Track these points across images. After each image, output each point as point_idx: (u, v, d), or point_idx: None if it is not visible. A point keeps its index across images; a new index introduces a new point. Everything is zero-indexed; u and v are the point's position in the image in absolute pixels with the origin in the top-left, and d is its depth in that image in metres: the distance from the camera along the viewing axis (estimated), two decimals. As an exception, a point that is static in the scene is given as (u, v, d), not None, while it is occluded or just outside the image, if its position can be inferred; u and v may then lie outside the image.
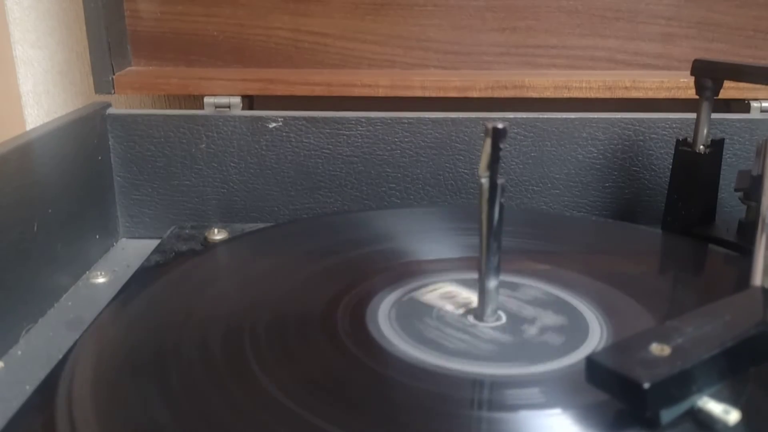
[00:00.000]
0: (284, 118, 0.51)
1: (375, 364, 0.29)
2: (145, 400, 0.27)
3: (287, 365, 0.29)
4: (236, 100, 0.53)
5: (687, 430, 0.24)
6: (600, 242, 0.45)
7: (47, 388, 0.29)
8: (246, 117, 0.52)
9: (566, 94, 0.54)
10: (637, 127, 0.51)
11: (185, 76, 0.54)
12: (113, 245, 0.52)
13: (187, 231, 0.49)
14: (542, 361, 0.29)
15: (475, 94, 0.54)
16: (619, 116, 0.51)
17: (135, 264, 0.46)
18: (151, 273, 0.41)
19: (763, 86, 0.49)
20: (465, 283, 0.36)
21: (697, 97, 0.45)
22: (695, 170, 0.45)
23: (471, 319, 0.32)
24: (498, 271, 0.31)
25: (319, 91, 0.54)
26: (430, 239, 0.43)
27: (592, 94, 0.53)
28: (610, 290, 0.36)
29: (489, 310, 0.32)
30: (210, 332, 0.32)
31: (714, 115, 0.45)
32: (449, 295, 0.35)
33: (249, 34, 0.57)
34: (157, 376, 0.28)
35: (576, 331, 0.31)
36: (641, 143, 0.52)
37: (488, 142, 0.29)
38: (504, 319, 0.32)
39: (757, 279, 0.29)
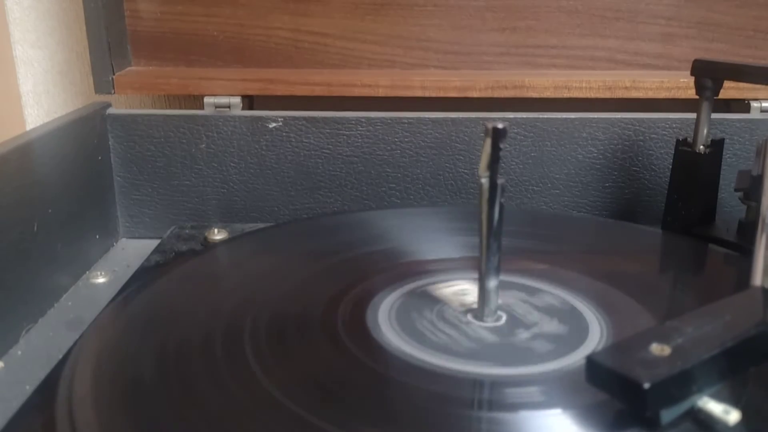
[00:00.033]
0: (284, 118, 0.51)
1: (375, 364, 0.29)
2: (145, 400, 0.27)
3: (287, 365, 0.29)
4: (236, 100, 0.53)
5: (687, 430, 0.24)
6: (600, 242, 0.45)
7: (47, 388, 0.29)
8: (246, 117, 0.52)
9: (566, 94, 0.54)
10: (637, 127, 0.51)
11: (185, 76, 0.54)
12: (113, 245, 0.52)
13: (187, 231, 0.49)
14: (542, 361, 0.29)
15: (475, 94, 0.54)
16: (619, 116, 0.51)
17: (135, 264, 0.46)
18: (151, 273, 0.41)
19: (763, 86, 0.49)
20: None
21: (697, 97, 0.45)
22: (695, 170, 0.45)
23: (471, 318, 0.32)
24: (498, 271, 0.31)
25: (319, 91, 0.54)
26: (430, 239, 0.43)
27: (592, 94, 0.53)
28: (610, 290, 0.36)
29: (489, 310, 0.32)
30: (210, 332, 0.31)
31: (714, 115, 0.45)
32: (462, 292, 0.35)
33: (249, 34, 0.57)
34: (157, 376, 0.28)
35: (576, 330, 0.31)
36: (641, 143, 0.52)
37: (488, 142, 0.29)
38: (504, 319, 0.32)
39: (757, 279, 0.29)
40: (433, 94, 0.54)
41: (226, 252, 0.43)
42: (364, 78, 0.54)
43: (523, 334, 0.31)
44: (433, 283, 0.36)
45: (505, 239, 0.31)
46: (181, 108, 0.61)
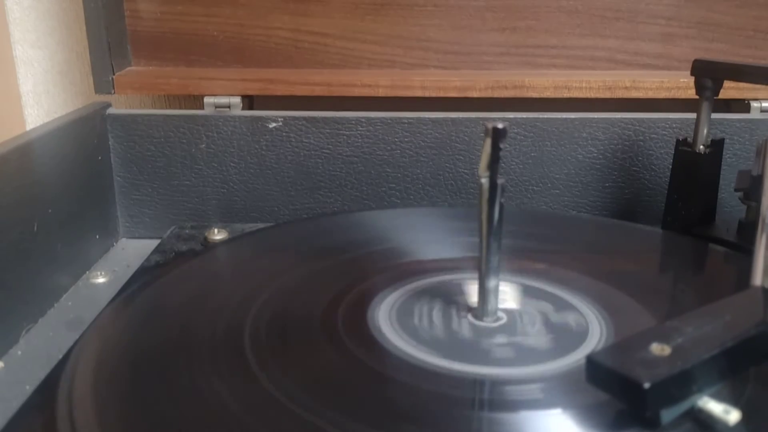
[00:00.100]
0: (284, 118, 0.51)
1: (375, 364, 0.29)
2: (146, 400, 0.27)
3: (287, 365, 0.29)
4: (236, 100, 0.53)
5: (687, 430, 0.24)
6: (600, 242, 0.45)
7: (47, 388, 0.29)
8: (246, 117, 0.52)
9: (566, 94, 0.54)
10: (637, 127, 0.51)
11: (185, 76, 0.54)
12: (113, 245, 0.52)
13: (187, 231, 0.49)
14: (542, 361, 0.29)
15: (475, 94, 0.54)
16: (619, 116, 0.51)
17: (135, 264, 0.46)
18: (151, 273, 0.41)
19: (763, 86, 0.49)
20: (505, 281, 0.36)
21: (697, 97, 0.45)
22: (695, 170, 0.45)
23: (471, 318, 0.32)
24: (498, 271, 0.31)
25: (319, 91, 0.54)
26: (430, 239, 0.43)
27: (592, 94, 0.53)
28: (611, 290, 0.36)
29: (489, 310, 0.32)
30: (210, 332, 0.31)
31: (714, 115, 0.45)
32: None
33: (249, 34, 0.57)
34: (157, 376, 0.28)
35: (576, 330, 0.31)
36: (641, 143, 0.52)
37: (488, 142, 0.29)
38: (504, 319, 0.32)
39: (757, 279, 0.29)
40: (433, 94, 0.54)
41: (226, 252, 0.43)
42: (364, 78, 0.54)
43: (523, 334, 0.31)
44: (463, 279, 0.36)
45: (505, 239, 0.31)
46: (181, 108, 0.61)
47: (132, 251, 0.51)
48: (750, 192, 0.43)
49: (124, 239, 0.53)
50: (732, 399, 0.25)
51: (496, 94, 0.53)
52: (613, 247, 0.44)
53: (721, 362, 0.24)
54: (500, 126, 0.28)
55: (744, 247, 0.42)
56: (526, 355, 0.29)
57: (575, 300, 0.34)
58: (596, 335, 0.31)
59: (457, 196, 0.53)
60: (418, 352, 0.29)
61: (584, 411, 0.25)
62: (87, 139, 0.49)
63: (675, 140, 0.46)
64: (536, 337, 0.31)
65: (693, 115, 0.45)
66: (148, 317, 0.34)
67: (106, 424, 0.25)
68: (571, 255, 0.41)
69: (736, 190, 0.44)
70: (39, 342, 0.37)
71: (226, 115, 0.52)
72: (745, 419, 0.24)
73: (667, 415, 0.24)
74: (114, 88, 0.53)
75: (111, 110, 0.52)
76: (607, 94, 0.53)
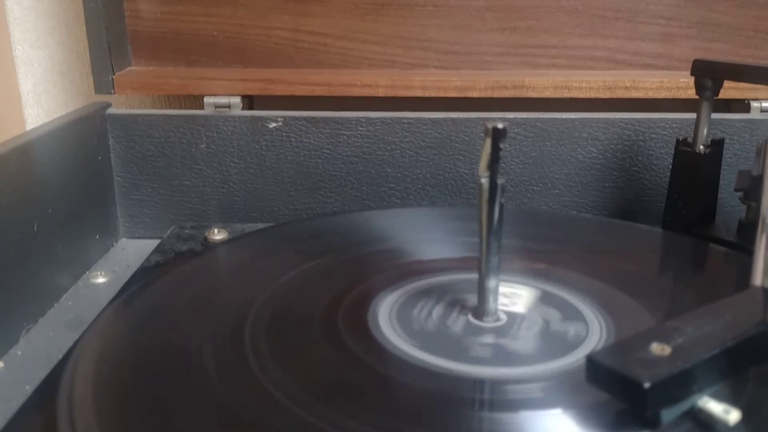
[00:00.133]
0: (284, 118, 0.51)
1: (376, 364, 0.29)
2: (146, 400, 0.27)
3: (288, 365, 0.29)
4: (236, 100, 0.53)
5: (687, 429, 0.24)
6: (600, 242, 0.45)
7: (47, 388, 0.29)
8: (246, 117, 0.52)
9: (566, 94, 0.54)
10: (637, 127, 0.51)
11: (185, 76, 0.54)
12: (113, 245, 0.52)
13: (187, 231, 0.49)
14: (542, 361, 0.29)
15: (475, 94, 0.54)
16: (619, 116, 0.51)
17: (135, 264, 0.46)
18: (151, 273, 0.41)
19: (763, 86, 0.49)
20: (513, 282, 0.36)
21: (697, 97, 0.45)
22: (695, 170, 0.45)
23: (471, 318, 0.32)
24: (498, 271, 0.31)
25: (319, 91, 0.54)
26: (430, 239, 0.43)
27: (592, 94, 0.53)
28: (611, 290, 0.36)
29: (489, 310, 0.32)
30: (210, 332, 0.31)
31: (714, 115, 0.45)
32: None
33: (249, 34, 0.57)
34: (157, 376, 0.28)
35: (576, 330, 0.31)
36: (641, 143, 0.52)
37: (488, 142, 0.29)
38: (504, 319, 0.32)
39: (757, 279, 0.29)
40: (433, 94, 0.54)
41: (226, 252, 0.43)
42: (364, 78, 0.54)
43: (523, 334, 0.31)
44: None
45: (505, 239, 0.31)
46: (181, 108, 0.61)
47: (132, 251, 0.51)
48: (750, 192, 0.43)
49: (124, 239, 0.53)
50: (732, 399, 0.25)
51: (496, 94, 0.53)
52: (613, 247, 0.44)
53: (721, 362, 0.24)
54: (500, 126, 0.28)
55: (744, 247, 0.42)
56: (526, 355, 0.29)
57: (575, 300, 0.34)
58: (596, 335, 0.31)
59: (457, 196, 0.53)
60: (418, 352, 0.29)
61: (584, 411, 0.25)
62: (87, 139, 0.49)
63: (675, 140, 0.46)
64: (536, 336, 0.31)
65: (693, 115, 0.45)
66: (148, 317, 0.34)
67: (106, 424, 0.25)
68: (571, 255, 0.41)
69: (736, 190, 0.44)
70: (39, 342, 0.37)
71: (226, 115, 0.52)
72: (745, 419, 0.24)
73: (667, 415, 0.24)
74: (114, 88, 0.53)
75: (111, 110, 0.52)
76: (607, 94, 0.53)
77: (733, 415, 0.24)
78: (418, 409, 0.26)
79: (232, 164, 0.52)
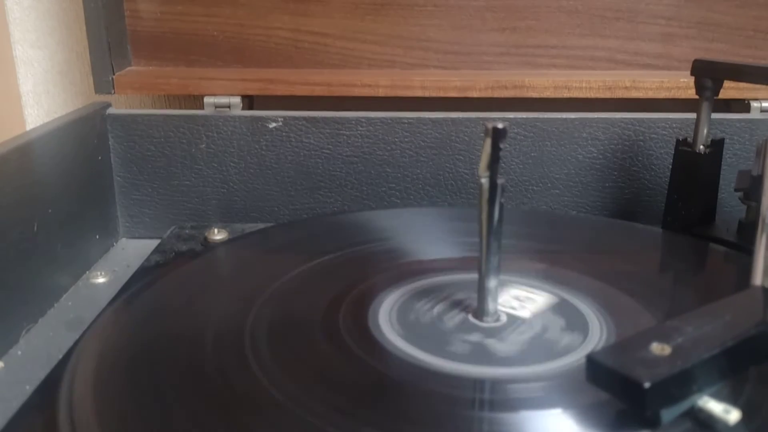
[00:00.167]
0: (284, 118, 0.51)
1: (375, 364, 0.29)
2: (146, 400, 0.27)
3: (288, 366, 0.29)
4: (236, 100, 0.53)
5: (687, 429, 0.24)
6: (600, 242, 0.45)
7: (47, 388, 0.29)
8: (246, 117, 0.52)
9: (566, 94, 0.54)
10: (637, 127, 0.51)
11: (185, 76, 0.54)
12: (113, 245, 0.52)
13: (187, 231, 0.49)
14: (542, 361, 0.29)
15: (475, 94, 0.54)
16: (619, 116, 0.51)
17: (135, 264, 0.46)
18: (151, 273, 0.41)
19: (763, 86, 0.49)
20: (532, 285, 0.35)
21: (697, 97, 0.45)
22: (695, 170, 0.45)
23: (471, 318, 0.32)
24: (498, 271, 0.31)
25: (319, 91, 0.54)
26: (430, 239, 0.43)
27: (592, 94, 0.53)
28: (611, 289, 0.36)
29: (489, 310, 0.32)
30: (210, 333, 0.31)
31: (714, 115, 0.45)
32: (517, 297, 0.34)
33: (249, 34, 0.57)
34: (157, 376, 0.28)
35: (576, 330, 0.31)
36: (641, 143, 0.52)
37: (488, 142, 0.29)
38: (504, 319, 0.32)
39: (757, 279, 0.29)
40: (433, 94, 0.54)
41: (226, 252, 0.43)
42: (364, 78, 0.54)
43: (522, 334, 0.31)
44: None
45: (505, 239, 0.31)
46: (181, 108, 0.61)
47: (132, 251, 0.51)
48: (750, 192, 0.43)
49: (124, 239, 0.53)
50: (732, 399, 0.25)
51: (496, 94, 0.53)
52: (613, 247, 0.44)
53: (721, 362, 0.24)
54: (500, 126, 0.28)
55: (744, 247, 0.42)
56: (526, 355, 0.29)
57: (575, 300, 0.34)
58: (596, 335, 0.31)
59: (457, 196, 0.53)
60: (419, 352, 0.29)
61: (584, 411, 0.25)
62: (87, 139, 0.49)
63: (675, 140, 0.46)
64: (536, 337, 0.31)
65: (693, 115, 0.45)
66: (148, 318, 0.34)
67: (106, 424, 0.25)
68: (571, 255, 0.41)
69: (736, 190, 0.44)
70: (39, 342, 0.37)
71: (226, 115, 0.52)
72: (745, 419, 0.24)
73: (667, 414, 0.24)
74: (114, 88, 0.53)
75: (111, 110, 0.52)
76: (607, 94, 0.53)
77: (733, 415, 0.24)
78: (418, 409, 0.26)
79: (232, 164, 0.52)
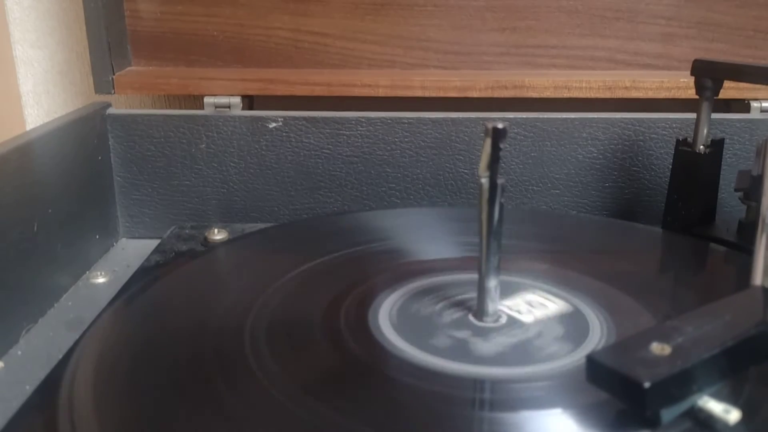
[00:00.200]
0: (284, 118, 0.51)
1: (377, 364, 0.29)
2: (146, 400, 0.27)
3: (288, 366, 0.29)
4: (236, 100, 0.53)
5: (687, 429, 0.24)
6: (600, 242, 0.45)
7: (47, 388, 0.29)
8: (246, 117, 0.52)
9: (566, 94, 0.54)
10: (637, 127, 0.51)
11: (185, 76, 0.54)
12: (113, 245, 0.52)
13: (187, 231, 0.49)
14: (542, 361, 0.29)
15: (475, 94, 0.54)
16: (619, 116, 0.51)
17: (135, 264, 0.46)
18: (151, 273, 0.41)
19: (763, 86, 0.49)
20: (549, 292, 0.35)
21: (697, 97, 0.45)
22: (695, 170, 0.45)
23: (471, 318, 0.32)
24: (498, 271, 0.31)
25: (319, 91, 0.54)
26: (430, 239, 0.43)
27: (592, 94, 0.53)
28: (611, 289, 0.36)
29: (489, 310, 0.32)
30: (210, 333, 0.31)
31: (714, 115, 0.45)
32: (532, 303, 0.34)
33: (249, 34, 0.57)
34: (157, 376, 0.28)
35: (576, 330, 0.31)
36: (641, 143, 0.52)
37: (488, 142, 0.29)
38: (504, 319, 0.32)
39: (757, 279, 0.29)
40: (433, 94, 0.54)
41: (227, 253, 0.43)
42: (364, 78, 0.54)
43: (523, 334, 0.31)
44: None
45: (505, 239, 0.31)
46: (181, 108, 0.61)
47: (132, 251, 0.51)
48: (750, 192, 0.43)
49: (124, 239, 0.53)
50: (732, 399, 0.25)
51: (496, 94, 0.53)
52: (613, 247, 0.44)
53: (721, 362, 0.24)
54: (500, 126, 0.28)
55: (744, 247, 0.42)
56: (526, 355, 0.29)
57: (575, 300, 0.34)
58: (596, 335, 0.31)
59: (457, 196, 0.53)
60: (419, 352, 0.29)
61: (584, 411, 0.25)
62: (87, 139, 0.49)
63: (675, 140, 0.46)
64: (536, 337, 0.31)
65: (693, 115, 0.45)
66: (148, 318, 0.34)
67: (106, 424, 0.25)
68: (571, 255, 0.41)
69: (736, 190, 0.44)
70: (39, 342, 0.37)
71: (226, 115, 0.52)
72: (745, 419, 0.24)
73: (667, 414, 0.24)
74: (114, 88, 0.53)
75: (111, 110, 0.52)
76: (607, 94, 0.53)
77: (733, 415, 0.24)
78: (418, 409, 0.26)
79: (232, 164, 0.52)
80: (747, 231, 0.44)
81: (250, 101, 0.55)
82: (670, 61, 0.57)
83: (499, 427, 0.25)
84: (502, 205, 0.30)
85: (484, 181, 0.29)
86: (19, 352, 0.36)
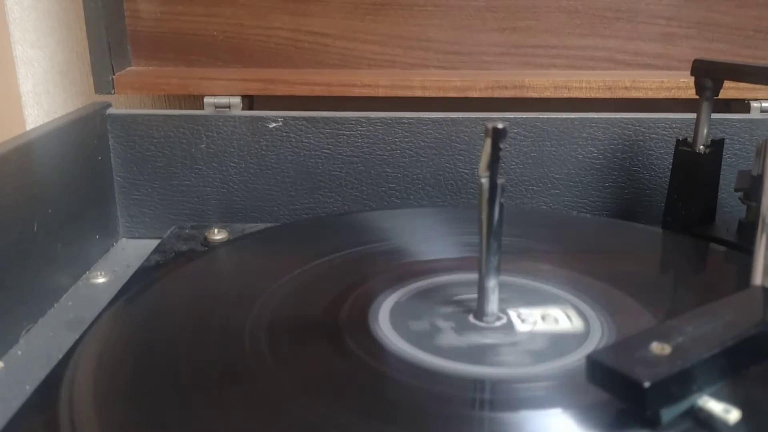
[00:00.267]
0: (284, 118, 0.51)
1: (376, 364, 0.29)
2: (146, 400, 0.27)
3: (288, 366, 0.29)
4: (236, 100, 0.53)
5: (687, 429, 0.24)
6: (600, 242, 0.45)
7: (47, 388, 0.29)
8: (246, 117, 0.52)
9: (566, 94, 0.54)
10: (637, 127, 0.51)
11: (185, 76, 0.54)
12: (113, 245, 0.52)
13: (187, 231, 0.49)
14: (542, 361, 0.29)
15: (475, 94, 0.54)
16: (619, 116, 0.51)
17: (135, 264, 0.46)
18: (151, 273, 0.41)
19: (763, 86, 0.49)
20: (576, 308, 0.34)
21: (697, 97, 0.45)
22: (695, 170, 0.45)
23: (471, 319, 0.32)
24: (498, 271, 0.31)
25: (319, 91, 0.54)
26: (430, 239, 0.43)
27: (592, 94, 0.53)
28: (611, 289, 0.36)
29: (489, 311, 0.32)
30: (210, 333, 0.31)
31: (714, 115, 0.45)
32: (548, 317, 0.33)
33: (249, 34, 0.57)
34: (158, 376, 0.28)
35: (576, 330, 0.31)
36: (641, 143, 0.52)
37: (488, 142, 0.29)
38: (504, 319, 0.32)
39: (757, 279, 0.29)
40: (433, 94, 0.54)
41: (227, 253, 0.43)
42: (364, 78, 0.54)
43: (523, 334, 0.31)
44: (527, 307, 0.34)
45: (505, 239, 0.31)
46: (181, 108, 0.61)
47: (132, 251, 0.51)
48: (750, 192, 0.43)
49: (124, 239, 0.53)
50: (732, 398, 0.25)
51: (496, 94, 0.53)
52: (613, 247, 0.44)
53: (721, 361, 0.24)
54: (500, 126, 0.28)
55: (744, 247, 0.42)
56: (526, 355, 0.29)
57: (576, 300, 0.34)
58: (596, 335, 0.31)
59: (457, 196, 0.53)
60: (419, 352, 0.29)
61: (584, 411, 0.25)
62: (87, 139, 0.49)
63: (675, 140, 0.46)
64: (536, 337, 0.31)
65: (693, 115, 0.45)
66: (149, 318, 0.34)
67: (106, 424, 0.25)
68: (572, 255, 0.41)
69: (736, 190, 0.44)
70: (39, 342, 0.37)
71: (226, 115, 0.52)
72: (745, 419, 0.24)
73: (667, 414, 0.24)
74: (114, 88, 0.53)
75: (111, 110, 0.52)
76: (607, 94, 0.53)
77: (733, 415, 0.24)
78: (418, 409, 0.26)
79: (232, 164, 0.52)
80: (747, 231, 0.44)
81: (250, 101, 0.55)
82: (670, 61, 0.57)
83: (499, 427, 0.25)
84: (502, 205, 0.30)
85: (484, 181, 0.29)
86: (19, 352, 0.36)
